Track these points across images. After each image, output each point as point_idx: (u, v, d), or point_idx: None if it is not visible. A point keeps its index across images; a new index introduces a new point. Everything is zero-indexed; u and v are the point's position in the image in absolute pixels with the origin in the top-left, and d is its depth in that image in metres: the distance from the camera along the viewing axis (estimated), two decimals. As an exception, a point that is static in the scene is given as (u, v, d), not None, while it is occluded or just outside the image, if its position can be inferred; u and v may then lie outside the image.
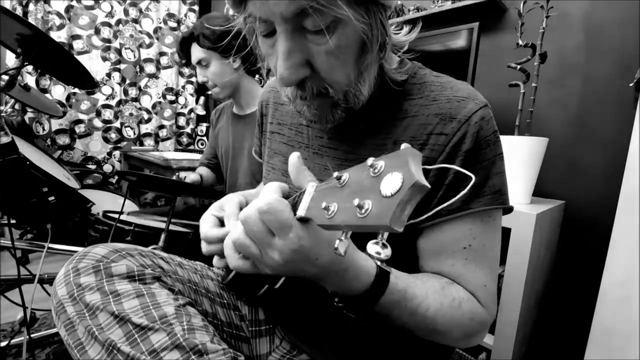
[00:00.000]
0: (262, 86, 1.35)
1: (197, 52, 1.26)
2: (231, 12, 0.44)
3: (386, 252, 0.26)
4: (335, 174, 0.29)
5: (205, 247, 0.49)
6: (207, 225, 0.49)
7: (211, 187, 1.54)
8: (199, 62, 1.27)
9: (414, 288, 0.43)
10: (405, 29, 0.51)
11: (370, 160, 0.26)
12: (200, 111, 2.47)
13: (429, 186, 0.22)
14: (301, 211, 0.31)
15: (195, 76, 2.76)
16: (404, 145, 0.25)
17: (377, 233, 0.26)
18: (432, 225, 0.48)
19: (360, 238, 0.34)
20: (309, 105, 0.47)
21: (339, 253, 0.28)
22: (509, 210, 0.51)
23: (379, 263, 0.41)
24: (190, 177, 1.41)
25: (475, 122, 0.46)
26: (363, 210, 0.24)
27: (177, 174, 1.33)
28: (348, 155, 0.53)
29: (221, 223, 0.51)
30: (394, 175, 0.23)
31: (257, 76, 1.41)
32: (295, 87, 0.45)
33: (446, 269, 0.47)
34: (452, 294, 0.45)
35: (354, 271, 0.39)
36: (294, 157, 0.37)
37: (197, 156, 1.93)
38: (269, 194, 0.36)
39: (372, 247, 0.26)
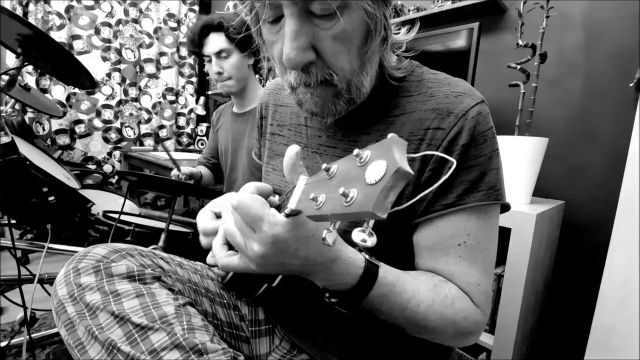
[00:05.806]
0: (263, 86, 1.36)
1: (219, 42, 1.25)
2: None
3: (372, 240, 0.26)
4: (324, 165, 0.29)
5: (204, 240, 0.49)
6: (204, 218, 0.50)
7: (210, 187, 1.54)
8: (219, 52, 1.26)
9: (404, 283, 0.43)
10: (404, 29, 0.52)
11: (356, 151, 0.26)
12: (200, 111, 2.48)
13: (412, 172, 0.22)
14: (292, 204, 0.32)
15: (196, 75, 2.79)
16: (390, 135, 0.25)
17: (363, 221, 0.26)
18: (426, 221, 0.48)
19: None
20: (312, 92, 0.46)
21: (327, 243, 0.28)
22: (506, 207, 0.51)
23: (365, 255, 0.41)
24: (189, 169, 1.41)
25: (472, 117, 0.46)
26: (348, 199, 0.24)
27: (178, 175, 1.33)
28: (346, 154, 0.53)
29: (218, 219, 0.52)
30: (378, 163, 0.23)
31: (257, 76, 1.42)
32: (299, 72, 0.44)
33: (440, 266, 0.47)
34: (445, 292, 0.45)
35: (342, 263, 0.39)
36: (292, 151, 0.37)
37: (197, 156, 1.94)
38: (242, 191, 0.38)
39: (357, 234, 0.26)
